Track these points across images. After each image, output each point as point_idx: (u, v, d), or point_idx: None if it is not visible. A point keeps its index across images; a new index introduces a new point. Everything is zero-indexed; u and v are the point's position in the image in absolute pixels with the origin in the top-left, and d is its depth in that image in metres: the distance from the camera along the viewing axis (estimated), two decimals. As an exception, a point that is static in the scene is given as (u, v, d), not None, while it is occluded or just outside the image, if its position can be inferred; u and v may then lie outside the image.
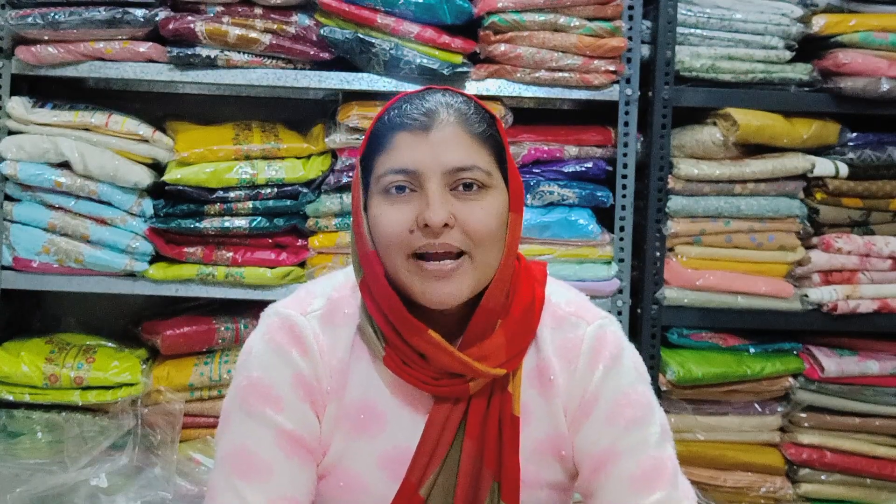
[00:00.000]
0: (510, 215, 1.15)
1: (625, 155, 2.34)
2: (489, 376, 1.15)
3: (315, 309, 1.20)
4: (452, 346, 1.13)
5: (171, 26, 2.18)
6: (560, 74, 2.27)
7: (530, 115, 2.48)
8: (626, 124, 2.33)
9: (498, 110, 2.28)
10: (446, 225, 1.09)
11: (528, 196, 2.30)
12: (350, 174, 2.26)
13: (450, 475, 1.17)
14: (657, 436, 1.18)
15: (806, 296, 2.38)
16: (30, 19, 2.14)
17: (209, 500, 1.16)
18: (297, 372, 1.17)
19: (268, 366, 1.17)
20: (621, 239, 2.35)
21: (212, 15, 2.22)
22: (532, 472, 1.20)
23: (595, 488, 1.19)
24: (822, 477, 2.40)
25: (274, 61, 2.25)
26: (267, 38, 2.21)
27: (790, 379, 2.38)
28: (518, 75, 2.27)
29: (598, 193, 2.32)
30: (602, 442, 1.18)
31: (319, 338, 1.18)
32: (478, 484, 1.17)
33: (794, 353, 2.41)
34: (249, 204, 2.25)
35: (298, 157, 2.31)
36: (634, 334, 2.37)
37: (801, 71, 2.38)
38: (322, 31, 2.21)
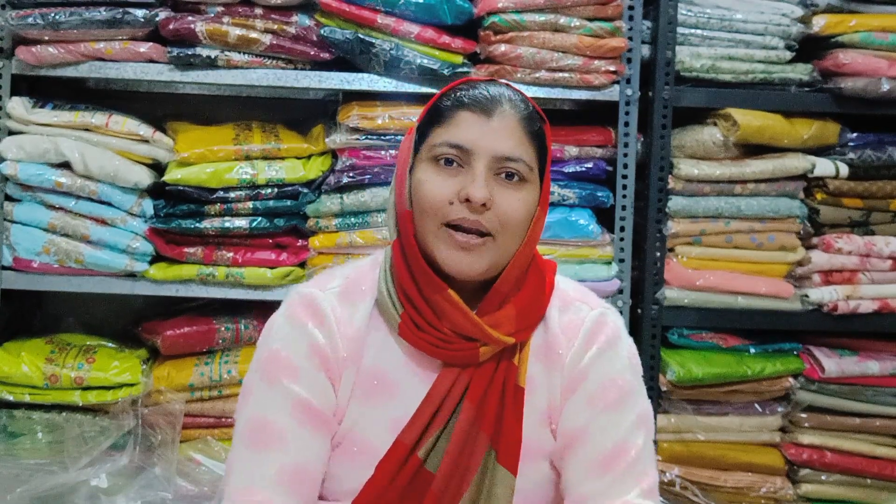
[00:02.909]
0: (538, 210, 1.24)
1: (625, 155, 2.34)
2: (499, 342, 1.21)
3: (333, 286, 1.28)
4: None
5: (171, 26, 2.18)
6: (560, 75, 2.27)
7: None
8: (627, 124, 2.33)
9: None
10: (484, 205, 1.17)
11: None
12: (350, 174, 2.25)
13: (448, 438, 1.21)
14: (631, 423, 1.23)
15: (806, 296, 2.38)
16: (30, 19, 2.14)
17: (228, 473, 1.23)
18: (312, 342, 1.23)
19: (286, 338, 1.25)
20: (621, 239, 2.35)
21: (212, 15, 2.22)
22: (535, 444, 1.25)
23: (563, 465, 1.24)
24: (823, 477, 2.39)
25: (274, 61, 2.25)
26: (267, 39, 2.21)
27: (790, 379, 2.38)
28: (518, 75, 2.27)
29: (599, 194, 2.32)
30: (578, 420, 1.24)
31: (336, 310, 1.26)
32: (472, 447, 1.21)
33: (795, 353, 2.41)
34: (250, 204, 2.25)
35: (299, 158, 2.31)
36: (635, 334, 2.36)
37: (802, 71, 2.38)
38: (322, 32, 2.21)
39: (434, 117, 1.23)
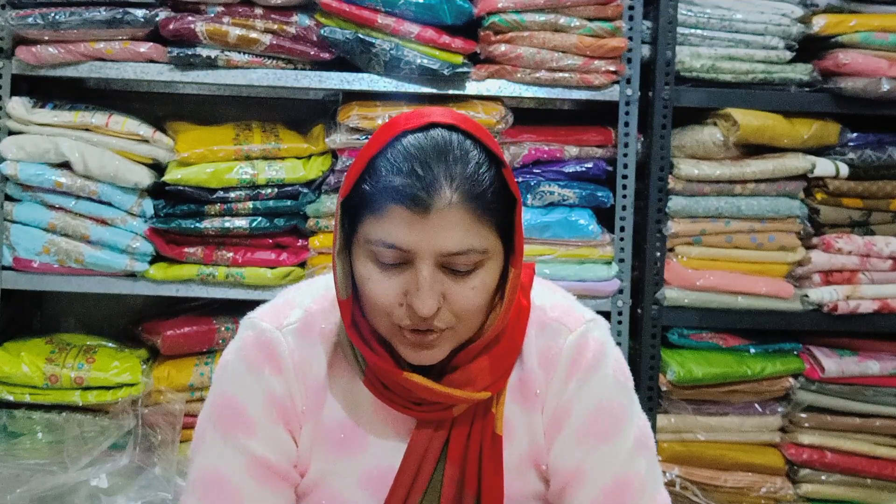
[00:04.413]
0: (512, 271, 1.09)
1: (625, 155, 2.34)
2: (473, 401, 1.12)
3: (291, 322, 1.17)
4: (432, 380, 1.10)
5: (171, 26, 2.18)
6: (560, 75, 2.27)
7: (530, 116, 2.48)
8: (627, 124, 2.33)
9: (498, 111, 2.28)
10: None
11: (528, 196, 2.30)
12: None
13: (432, 501, 1.15)
14: (627, 451, 1.15)
15: (806, 296, 2.38)
16: (30, 19, 2.14)
17: None
18: (269, 391, 1.14)
19: (241, 384, 1.15)
20: (622, 239, 2.35)
21: (212, 15, 2.22)
22: (517, 487, 1.18)
23: None
24: (823, 477, 2.39)
25: (274, 61, 2.25)
26: (267, 39, 2.21)
27: (790, 379, 2.37)
28: (518, 75, 2.27)
29: (599, 194, 2.32)
30: (571, 459, 1.15)
31: (294, 354, 1.15)
32: None
33: (795, 353, 2.41)
34: (250, 204, 2.25)
35: (299, 158, 2.31)
36: (635, 334, 2.37)
37: (802, 71, 2.38)
38: (322, 32, 2.21)
39: (363, 200, 1.04)
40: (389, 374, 1.10)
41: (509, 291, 1.10)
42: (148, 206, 2.25)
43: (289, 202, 2.27)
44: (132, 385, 2.21)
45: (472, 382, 1.11)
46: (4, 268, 2.26)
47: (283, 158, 2.29)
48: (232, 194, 2.23)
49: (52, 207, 2.23)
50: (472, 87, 2.28)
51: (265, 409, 1.14)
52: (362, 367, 1.14)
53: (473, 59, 2.30)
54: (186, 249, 2.25)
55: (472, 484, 1.15)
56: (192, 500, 1.15)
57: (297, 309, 1.18)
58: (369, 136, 2.36)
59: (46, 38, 2.18)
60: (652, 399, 2.34)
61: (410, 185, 1.00)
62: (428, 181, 1.00)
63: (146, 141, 2.25)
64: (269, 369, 1.15)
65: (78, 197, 2.21)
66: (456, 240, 1.01)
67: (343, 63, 2.28)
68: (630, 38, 2.30)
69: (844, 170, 2.36)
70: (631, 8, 2.31)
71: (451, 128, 1.05)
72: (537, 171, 2.32)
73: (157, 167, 2.30)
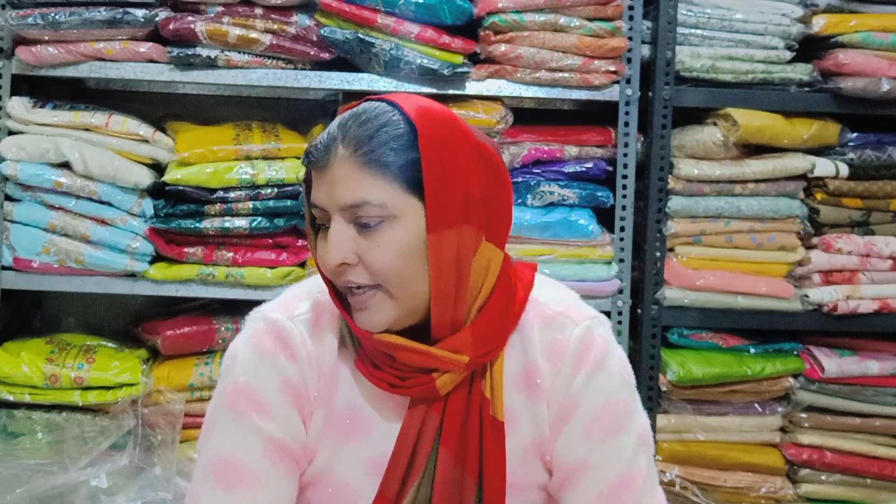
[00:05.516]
0: (430, 236, 1.06)
1: (625, 155, 2.34)
2: (453, 364, 1.10)
3: (302, 313, 1.18)
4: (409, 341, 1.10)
5: (171, 26, 2.18)
6: (560, 75, 2.27)
7: (530, 116, 2.48)
8: (627, 124, 2.33)
9: (498, 111, 2.28)
10: (347, 264, 1.08)
11: (528, 196, 2.30)
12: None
13: (429, 486, 1.14)
14: (631, 447, 1.16)
15: (806, 296, 2.38)
16: (30, 19, 2.14)
17: None
18: (285, 378, 1.14)
19: (255, 371, 1.15)
20: (621, 239, 2.35)
21: (212, 15, 2.22)
22: (521, 476, 1.18)
23: (563, 498, 1.18)
24: (823, 477, 2.39)
25: (274, 61, 2.25)
26: (267, 39, 2.21)
27: (790, 379, 2.37)
28: (518, 75, 2.27)
29: (599, 194, 2.32)
30: (577, 453, 1.16)
31: (307, 343, 1.16)
32: (460, 493, 1.15)
33: (795, 353, 2.41)
34: (250, 204, 2.25)
35: (299, 158, 2.31)
36: (635, 334, 2.37)
37: (802, 71, 2.38)
38: (322, 32, 2.21)
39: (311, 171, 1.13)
40: (366, 338, 1.12)
41: (431, 258, 1.07)
42: (148, 206, 2.25)
43: (289, 202, 2.27)
44: (132, 385, 2.21)
45: (452, 351, 1.11)
46: (4, 268, 2.25)
47: (282, 158, 2.29)
48: (232, 194, 2.23)
49: (52, 207, 2.23)
50: (472, 87, 2.28)
51: (281, 395, 1.14)
52: (356, 349, 1.17)
53: (473, 59, 2.30)
54: (186, 249, 2.25)
55: (472, 471, 1.15)
56: (206, 486, 1.12)
57: (304, 301, 1.20)
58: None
59: (46, 38, 2.17)
60: (652, 399, 2.34)
61: (313, 149, 1.10)
62: (325, 143, 1.08)
63: (146, 141, 2.25)
64: (284, 356, 1.15)
65: (78, 197, 2.21)
66: (349, 191, 1.06)
67: (343, 63, 2.28)
68: (630, 38, 2.30)
69: (844, 170, 2.36)
70: (631, 8, 2.31)
71: (385, 102, 1.11)
72: (537, 171, 2.32)
73: (157, 167, 2.30)
